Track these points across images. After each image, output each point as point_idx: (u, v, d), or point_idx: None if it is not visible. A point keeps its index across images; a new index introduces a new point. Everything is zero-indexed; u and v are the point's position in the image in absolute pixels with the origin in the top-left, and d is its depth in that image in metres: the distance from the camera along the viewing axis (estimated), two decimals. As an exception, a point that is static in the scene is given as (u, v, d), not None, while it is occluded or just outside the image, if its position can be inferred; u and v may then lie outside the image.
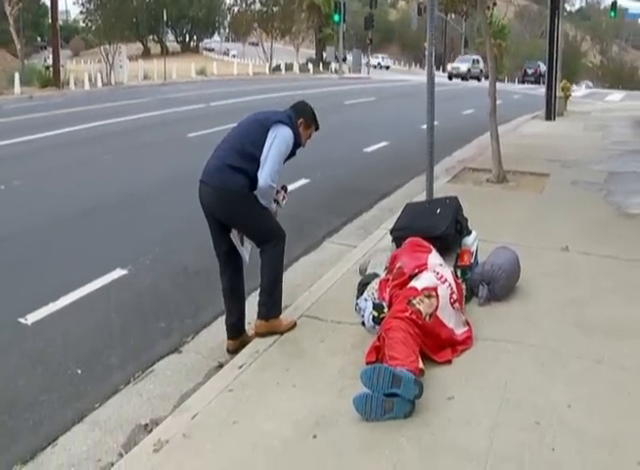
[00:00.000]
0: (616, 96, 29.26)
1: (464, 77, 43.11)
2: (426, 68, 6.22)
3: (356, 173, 8.99)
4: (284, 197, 3.85)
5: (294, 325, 3.80)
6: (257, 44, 45.42)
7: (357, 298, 4.11)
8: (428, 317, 3.37)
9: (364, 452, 2.66)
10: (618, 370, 3.37)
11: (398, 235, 4.38)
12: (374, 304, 3.82)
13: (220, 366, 3.70)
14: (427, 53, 6.02)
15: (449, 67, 46.00)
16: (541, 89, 33.32)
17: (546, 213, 6.52)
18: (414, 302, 3.38)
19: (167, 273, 5.08)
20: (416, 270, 3.71)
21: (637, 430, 2.84)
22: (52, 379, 3.58)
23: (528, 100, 23.70)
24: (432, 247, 3.98)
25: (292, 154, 3.72)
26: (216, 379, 3.30)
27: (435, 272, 3.69)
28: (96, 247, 5.62)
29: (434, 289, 3.53)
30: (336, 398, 3.06)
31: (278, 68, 41.35)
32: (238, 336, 3.83)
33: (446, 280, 3.65)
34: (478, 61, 45.38)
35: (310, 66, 45.37)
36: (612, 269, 4.91)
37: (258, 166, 3.56)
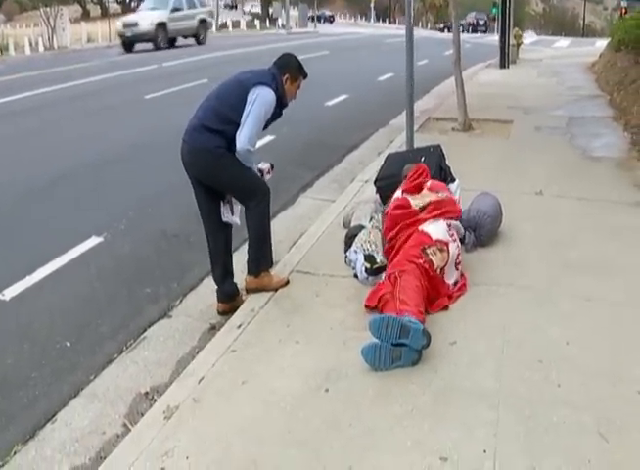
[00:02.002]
0: (562, 43, 29.54)
1: (154, 42, 21.66)
2: (405, 19, 6.13)
3: (321, 127, 8.90)
4: (269, 171, 3.75)
5: (285, 283, 3.75)
6: (233, 6, 41.55)
7: (346, 250, 4.08)
8: (438, 270, 3.36)
9: (378, 401, 2.66)
10: (608, 305, 3.47)
11: (382, 185, 4.34)
12: (365, 255, 3.80)
13: (213, 328, 3.66)
14: (406, 3, 5.91)
15: (120, 23, 22.84)
16: (489, 38, 33.37)
17: (516, 159, 6.58)
18: (428, 251, 3.36)
19: (145, 238, 4.94)
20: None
21: (634, 360, 2.93)
22: (41, 354, 3.44)
23: (480, 49, 23.70)
24: None
25: (278, 114, 3.60)
26: (217, 341, 3.24)
27: (448, 226, 3.65)
28: (66, 216, 5.40)
29: (447, 244, 3.51)
30: (341, 350, 3.05)
31: (225, 25, 40.18)
32: (229, 298, 3.76)
33: (456, 239, 3.63)
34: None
35: (257, 22, 44.25)
36: (587, 210, 5.01)
37: (237, 128, 3.44)
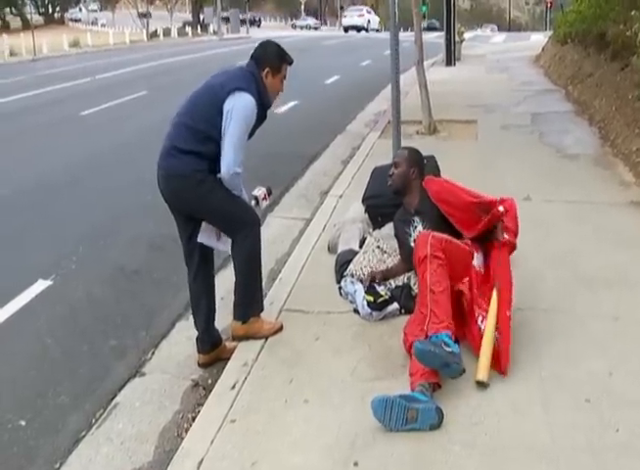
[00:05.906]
0: (498, 38, 30.00)
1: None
2: (390, 22, 5.84)
3: (276, 136, 8.30)
4: (265, 197, 3.21)
5: (279, 329, 3.22)
6: (146, 15, 40.81)
7: (338, 281, 3.61)
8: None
9: (422, 474, 2.21)
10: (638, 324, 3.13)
11: (370, 204, 3.89)
12: (366, 288, 3.33)
13: (196, 385, 3.13)
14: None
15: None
16: (426, 36, 33.50)
17: (491, 162, 6.27)
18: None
19: (101, 277, 4.32)
20: None
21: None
22: (-11, 439, 2.82)
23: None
24: None
25: (263, 117, 3.06)
26: (209, 407, 2.68)
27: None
28: (4, 257, 4.70)
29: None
30: (360, 408, 2.55)
31: (155, 33, 39.11)
32: (212, 348, 3.22)
33: None
34: None
35: (189, 29, 43.35)
36: (582, 215, 4.72)
37: (216, 146, 2.91)
